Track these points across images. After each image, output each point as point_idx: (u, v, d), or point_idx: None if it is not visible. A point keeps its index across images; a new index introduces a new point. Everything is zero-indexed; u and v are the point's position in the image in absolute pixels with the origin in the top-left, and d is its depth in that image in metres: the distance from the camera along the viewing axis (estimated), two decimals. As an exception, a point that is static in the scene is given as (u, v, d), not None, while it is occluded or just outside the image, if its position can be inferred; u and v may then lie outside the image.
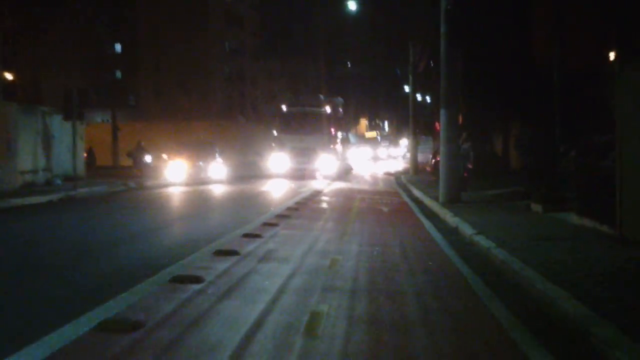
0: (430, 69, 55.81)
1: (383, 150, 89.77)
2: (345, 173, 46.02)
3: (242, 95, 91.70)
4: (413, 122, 50.24)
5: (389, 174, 53.53)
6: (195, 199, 26.42)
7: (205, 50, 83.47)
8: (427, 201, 24.68)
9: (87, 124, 56.58)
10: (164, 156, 36.61)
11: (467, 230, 15.76)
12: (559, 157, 25.42)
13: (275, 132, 40.45)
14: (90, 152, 50.06)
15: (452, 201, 22.73)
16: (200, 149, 37.38)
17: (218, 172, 36.94)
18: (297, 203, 22.40)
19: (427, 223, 18.21)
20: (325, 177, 38.38)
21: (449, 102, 23.20)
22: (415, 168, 49.15)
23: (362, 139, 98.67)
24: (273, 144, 40.02)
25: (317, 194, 27.28)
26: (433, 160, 47.66)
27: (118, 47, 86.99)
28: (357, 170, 59.32)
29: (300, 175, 38.66)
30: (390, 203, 24.66)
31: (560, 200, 19.75)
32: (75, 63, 73.50)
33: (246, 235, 14.04)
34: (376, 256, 12.13)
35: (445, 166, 23.18)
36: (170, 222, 18.65)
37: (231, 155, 51.72)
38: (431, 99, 72.66)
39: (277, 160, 39.33)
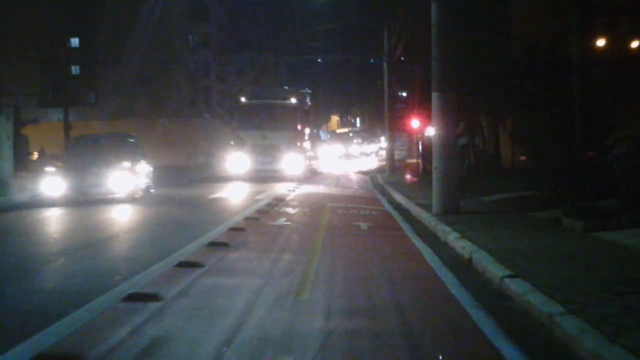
0: (406, 59, 50.58)
1: (355, 147, 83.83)
2: (314, 174, 40.25)
3: (207, 92, 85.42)
4: (389, 116, 44.59)
5: (363, 173, 47.81)
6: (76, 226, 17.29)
7: (169, 44, 77.21)
8: (415, 210, 19.31)
9: (34, 122, 52.25)
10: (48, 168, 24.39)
11: (490, 266, 10.29)
12: (584, 153, 20.05)
13: (234, 129, 34.47)
14: (41, 152, 45.72)
15: (449, 212, 17.38)
16: (108, 150, 24.05)
17: (131, 181, 22.83)
18: (248, 219, 16.69)
19: (425, 250, 12.64)
20: (292, 179, 32.57)
21: (445, 82, 17.80)
22: (392, 167, 43.53)
23: (333, 135, 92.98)
24: (232, 142, 34.11)
25: (278, 202, 21.53)
26: (421, 165, 42.42)
27: (75, 41, 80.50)
28: (328, 169, 53.61)
29: (262, 177, 32.97)
30: (370, 215, 18.89)
31: (603, 213, 14.17)
32: (30, 59, 67.33)
33: (130, 298, 8.16)
34: (360, 352, 6.37)
35: (441, 166, 17.63)
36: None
37: (192, 155, 46.10)
38: (407, 93, 67.46)
39: (236, 161, 33.50)
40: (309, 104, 38.75)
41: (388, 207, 21.81)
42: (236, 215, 17.29)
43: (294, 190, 26.67)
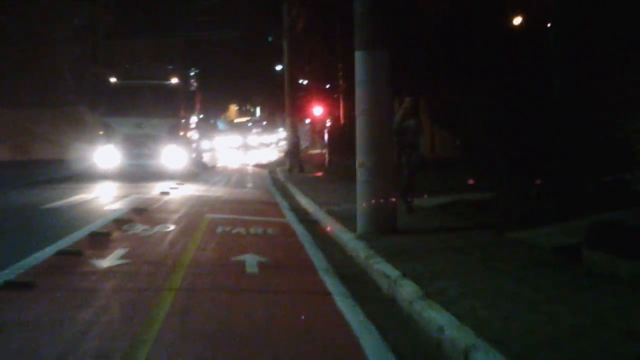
0: (308, 32, 44.43)
1: (254, 138, 77.00)
2: (203, 169, 33.35)
3: (95, 78, 76.84)
4: (290, 101, 38.04)
5: (261, 166, 41.29)
6: None
7: (51, 27, 68.72)
8: (331, 226, 13.06)
9: None
10: None
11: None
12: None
13: (101, 115, 27.32)
14: None
15: (384, 231, 10.99)
16: None
17: None
18: (63, 254, 9.89)
19: (366, 332, 6.43)
20: (173, 177, 25.77)
21: (375, 32, 11.48)
22: (294, 157, 37.04)
23: (231, 125, 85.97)
24: (101, 132, 26.97)
25: (136, 214, 14.85)
26: (327, 157, 36.17)
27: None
28: (223, 162, 46.89)
29: (136, 174, 26.04)
30: (264, 237, 12.34)
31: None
32: None
33: None
34: None
35: (370, 162, 11.33)
36: None
37: (64, 148, 38.60)
38: (308, 79, 61.18)
39: (104, 155, 26.38)
40: (195, 85, 31.37)
41: (291, 217, 15.51)
42: (51, 245, 10.43)
43: (168, 193, 20.00)
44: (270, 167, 39.22)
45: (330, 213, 14.75)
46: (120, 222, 13.22)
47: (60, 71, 70.01)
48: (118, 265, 9.10)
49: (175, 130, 26.84)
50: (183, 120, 27.48)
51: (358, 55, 11.58)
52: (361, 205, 11.47)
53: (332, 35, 39.71)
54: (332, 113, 48.87)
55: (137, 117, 26.43)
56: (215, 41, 74.51)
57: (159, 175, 26.08)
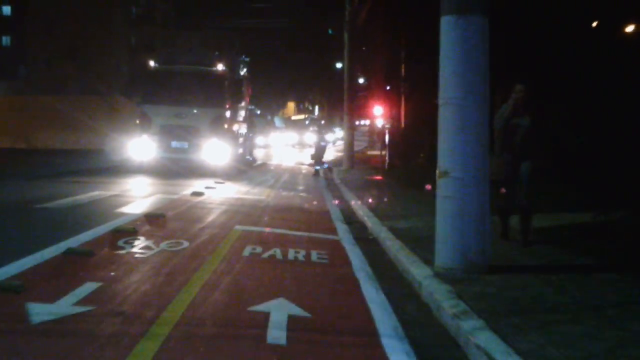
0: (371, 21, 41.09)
1: (311, 135, 73.11)
2: (249, 166, 29.94)
3: (134, 64, 74.08)
4: (348, 96, 34.63)
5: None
6: None
7: (108, 15, 66.34)
8: (397, 252, 9.80)
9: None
10: None
11: None
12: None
13: (138, 103, 24.14)
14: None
15: (474, 268, 7.62)
16: None
17: None
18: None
19: None
20: (213, 174, 22.60)
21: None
22: (351, 159, 33.74)
23: (288, 122, 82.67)
24: (137, 121, 23.77)
25: (143, 225, 11.46)
26: (387, 159, 32.58)
27: (7, 9, 69.36)
28: (276, 158, 43.61)
29: (171, 169, 22.79)
30: (306, 264, 9.02)
31: None
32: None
33: None
34: None
35: (458, 170, 7.77)
36: None
37: (101, 138, 35.69)
38: (366, 77, 57.74)
39: (139, 146, 23.22)
40: (244, 74, 27.94)
41: (344, 233, 12.06)
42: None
43: (201, 194, 16.83)
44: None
45: (394, 231, 11.30)
46: (120, 233, 9.91)
47: (115, 59, 67.84)
48: (64, 319, 5.70)
49: (218, 122, 23.50)
50: (228, 112, 24.11)
51: (445, 23, 8.15)
52: (443, 228, 8.00)
53: (394, 30, 36.15)
54: (392, 113, 45.62)
55: (176, 106, 23.21)
56: (273, 33, 71.43)
57: (197, 172, 22.89)
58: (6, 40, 69.03)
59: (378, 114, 42.24)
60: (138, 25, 69.29)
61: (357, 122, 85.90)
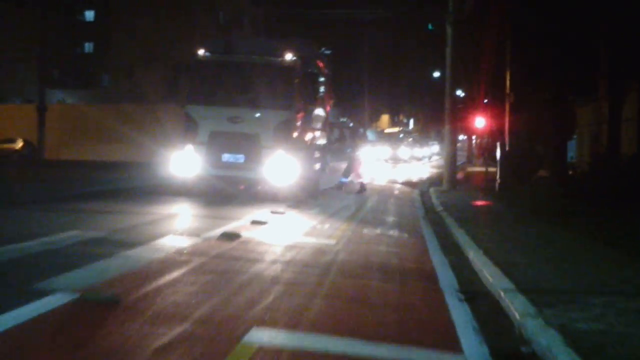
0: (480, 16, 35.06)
1: (405, 150, 66.70)
2: (323, 185, 23.39)
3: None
4: (450, 103, 28.02)
5: (410, 184, 31.33)
6: None
7: (194, 21, 61.13)
8: None
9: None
10: None
11: None
12: None
13: (181, 104, 18.31)
14: (27, 143, 39.55)
15: None
16: None
17: None
18: None
19: None
20: (275, 198, 17.05)
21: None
22: (453, 178, 27.09)
23: (381, 135, 76.20)
24: (185, 128, 17.84)
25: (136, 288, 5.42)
26: (498, 177, 26.19)
27: (90, 14, 65.25)
28: (367, 175, 37.50)
29: (220, 190, 16.98)
30: None
31: None
32: (36, 32, 51.96)
33: None
34: None
35: None
36: None
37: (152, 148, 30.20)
38: (467, 88, 51.28)
39: (182, 160, 17.32)
40: (326, 71, 21.51)
41: (470, 341, 5.62)
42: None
43: (236, 237, 11.10)
44: (421, 187, 29.37)
45: (576, 340, 5.14)
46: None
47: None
48: None
49: (286, 129, 17.39)
50: (300, 116, 17.98)
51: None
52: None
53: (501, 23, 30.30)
54: (495, 126, 39.31)
55: (230, 107, 17.36)
56: (365, 38, 65.24)
57: (255, 195, 16.99)
58: (89, 47, 64.98)
59: (480, 127, 36.34)
60: (226, 30, 63.80)
61: (459, 137, 79.19)
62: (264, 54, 18.00)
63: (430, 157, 71.87)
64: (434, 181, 31.82)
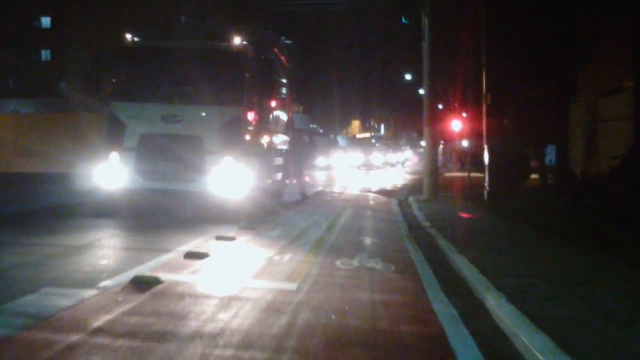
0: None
1: (378, 155, 63.11)
2: (288, 198, 19.51)
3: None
4: (429, 104, 24.38)
5: (386, 193, 27.61)
6: None
7: (156, 23, 56.94)
8: None
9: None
10: None
11: None
12: None
13: (104, 100, 14.42)
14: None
15: None
16: None
17: None
18: None
19: None
20: (223, 218, 13.38)
21: None
22: (434, 184, 23.38)
23: (353, 141, 72.50)
24: (109, 131, 13.91)
25: None
26: (487, 183, 22.72)
27: (46, 20, 60.93)
28: (338, 183, 33.72)
29: (152, 209, 13.17)
30: None
31: None
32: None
33: None
34: None
35: None
36: None
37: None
38: (443, 89, 47.93)
39: (107, 171, 13.42)
40: (284, 61, 17.62)
41: None
42: None
43: (176, 268, 8.18)
44: (399, 195, 25.71)
45: None
46: None
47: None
48: None
49: (235, 130, 13.61)
50: (253, 113, 14.15)
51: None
52: None
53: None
54: (473, 128, 36.10)
55: (165, 104, 13.63)
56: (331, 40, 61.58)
57: (197, 214, 13.21)
58: (46, 54, 60.71)
59: (457, 130, 34.20)
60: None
61: (423, 143, 76.01)
62: (207, 39, 14.20)
63: (403, 163, 68.46)
64: (411, 189, 28.20)
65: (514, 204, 18.82)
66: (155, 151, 13.37)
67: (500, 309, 6.83)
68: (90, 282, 7.48)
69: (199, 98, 13.69)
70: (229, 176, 13.32)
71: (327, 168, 51.07)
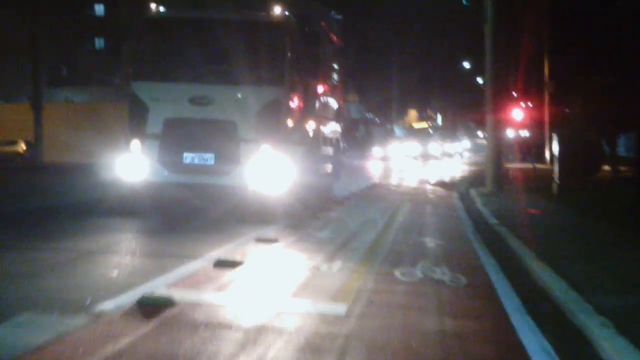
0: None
1: (436, 146, 60.58)
2: (339, 192, 17.38)
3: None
4: (493, 90, 21.98)
5: (445, 186, 25.33)
6: None
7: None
8: None
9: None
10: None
11: None
12: None
13: (126, 79, 12.44)
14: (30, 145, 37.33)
15: None
16: None
17: None
18: None
19: None
20: (261, 216, 11.62)
21: None
22: (498, 176, 21.17)
23: (410, 131, 70.10)
24: (130, 116, 12.02)
25: None
26: (557, 175, 20.50)
27: (100, 8, 59.90)
28: (395, 175, 31.62)
29: (178, 206, 11.23)
30: None
31: None
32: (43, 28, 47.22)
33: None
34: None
35: None
36: None
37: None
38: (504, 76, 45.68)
39: (128, 162, 11.52)
40: (333, 37, 15.45)
41: None
42: None
43: (200, 282, 6.65)
44: (459, 188, 23.56)
45: None
46: None
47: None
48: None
49: (275, 114, 11.67)
50: (296, 95, 12.14)
51: None
52: None
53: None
54: (533, 119, 35.55)
55: (193, 84, 11.73)
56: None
57: (233, 211, 11.38)
58: (100, 42, 59.71)
59: (518, 119, 31.49)
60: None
61: (481, 133, 73.48)
62: (243, 8, 12.22)
63: (461, 153, 65.90)
64: (472, 181, 26.03)
65: (587, 198, 16.82)
66: (181, 139, 11.54)
67: (610, 344, 5.08)
68: (84, 304, 5.74)
69: (233, 77, 11.81)
70: (268, 168, 11.37)
71: (384, 159, 49.60)
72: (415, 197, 19.62)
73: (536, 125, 37.32)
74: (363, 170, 33.44)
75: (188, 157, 11.50)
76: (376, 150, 51.89)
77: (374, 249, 9.56)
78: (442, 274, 7.95)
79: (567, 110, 27.20)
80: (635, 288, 6.97)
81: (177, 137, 11.48)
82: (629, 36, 21.21)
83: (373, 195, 19.55)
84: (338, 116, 16.83)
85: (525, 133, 38.03)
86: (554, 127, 22.50)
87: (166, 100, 11.60)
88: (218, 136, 11.38)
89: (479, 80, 59.10)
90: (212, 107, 11.44)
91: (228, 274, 7.32)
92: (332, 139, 15.85)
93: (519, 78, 37.32)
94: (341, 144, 17.31)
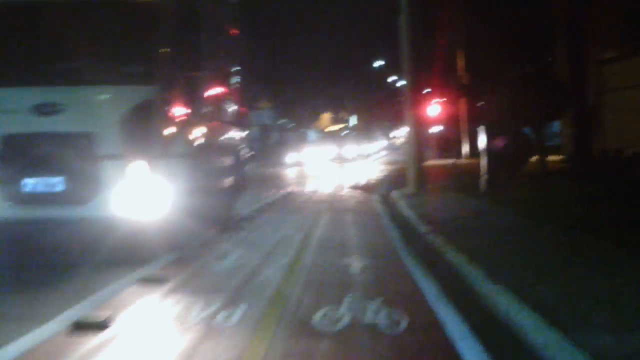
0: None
1: (351, 148, 58.75)
2: (242, 208, 14.80)
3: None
4: (411, 84, 20.07)
5: (363, 188, 23.48)
6: None
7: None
8: None
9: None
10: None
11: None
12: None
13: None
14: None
15: None
16: None
17: None
18: None
19: None
20: (151, 243, 8.87)
21: None
22: (420, 175, 19.13)
23: (323, 135, 68.28)
24: None
25: None
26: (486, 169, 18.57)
27: None
28: (309, 182, 29.36)
29: (31, 241, 8.60)
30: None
31: None
32: None
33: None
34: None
35: None
36: None
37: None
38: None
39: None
40: (228, 25, 12.82)
41: None
42: None
43: None
44: (379, 190, 21.77)
45: None
46: None
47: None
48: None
49: (147, 120, 8.92)
50: (172, 95, 9.43)
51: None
52: None
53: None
54: (448, 114, 34.29)
55: (38, 87, 8.97)
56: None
57: (99, 249, 8.86)
58: None
59: (433, 115, 31.24)
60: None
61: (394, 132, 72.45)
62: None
63: (378, 153, 64.66)
64: (392, 182, 23.92)
65: (519, 194, 15.39)
66: (21, 160, 8.65)
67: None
68: None
69: (89, 75, 8.99)
70: (140, 190, 8.64)
71: (299, 164, 47.93)
72: (334, 205, 17.49)
73: (451, 119, 36.07)
74: (276, 179, 31.15)
75: (28, 184, 8.71)
76: (291, 156, 49.98)
77: (288, 280, 7.55)
78: (375, 313, 6.05)
79: (482, 102, 25.87)
80: (627, 317, 5.03)
81: (16, 158, 8.67)
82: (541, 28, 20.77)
83: (287, 206, 17.32)
84: (239, 120, 14.23)
85: (440, 128, 36.68)
86: (471, 122, 21.12)
87: (2, 112, 8.79)
88: (69, 154, 8.60)
89: (390, 79, 58.48)
90: (61, 115, 8.63)
91: (87, 344, 5.20)
92: (231, 147, 13.21)
93: (433, 72, 36.00)
94: (244, 152, 14.68)
